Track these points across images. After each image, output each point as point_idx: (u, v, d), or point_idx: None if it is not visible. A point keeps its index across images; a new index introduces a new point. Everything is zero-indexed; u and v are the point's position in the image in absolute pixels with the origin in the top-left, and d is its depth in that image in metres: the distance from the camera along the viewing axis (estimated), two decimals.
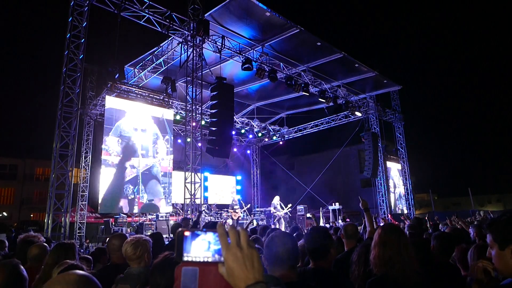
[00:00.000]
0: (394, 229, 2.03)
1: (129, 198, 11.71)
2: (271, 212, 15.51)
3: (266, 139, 22.50)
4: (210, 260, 0.80)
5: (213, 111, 11.29)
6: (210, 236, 0.82)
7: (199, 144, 11.60)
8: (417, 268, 1.94)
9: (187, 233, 0.82)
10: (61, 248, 2.85)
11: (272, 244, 1.77)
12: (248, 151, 23.74)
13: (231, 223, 12.93)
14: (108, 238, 3.51)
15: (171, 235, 8.63)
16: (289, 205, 15.64)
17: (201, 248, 0.81)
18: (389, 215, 17.41)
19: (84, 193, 15.01)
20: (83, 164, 15.23)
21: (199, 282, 0.78)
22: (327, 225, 12.85)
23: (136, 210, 12.00)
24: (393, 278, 1.86)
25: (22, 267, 1.93)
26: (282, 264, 1.73)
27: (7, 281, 1.74)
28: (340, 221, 14.37)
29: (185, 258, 0.80)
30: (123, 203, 11.56)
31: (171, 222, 12.52)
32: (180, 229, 0.85)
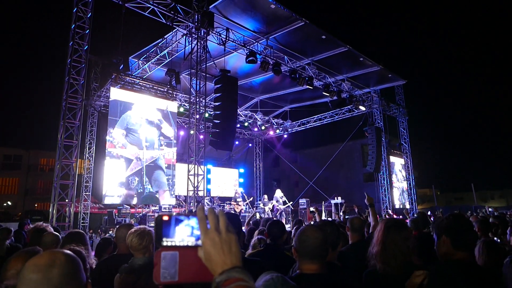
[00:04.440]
0: (395, 228, 2.01)
1: (138, 191, 11.79)
2: (274, 205, 15.54)
3: (270, 133, 22.49)
4: (189, 244, 0.80)
5: (217, 103, 11.27)
6: (193, 222, 0.82)
7: (202, 137, 11.62)
8: (417, 262, 1.96)
9: (165, 218, 0.82)
10: (71, 236, 2.97)
11: (304, 237, 1.79)
12: (251, 144, 23.74)
13: (258, 216, 13.00)
14: (117, 227, 3.57)
15: None
16: (282, 199, 15.61)
17: (184, 233, 0.81)
18: (391, 212, 17.43)
19: (88, 184, 15.10)
20: (87, 155, 15.29)
21: (179, 266, 0.78)
22: (329, 218, 12.89)
23: (135, 201, 12.07)
24: (388, 272, 1.91)
25: None
26: (313, 258, 1.75)
27: None
28: (341, 213, 14.37)
29: (164, 243, 0.79)
30: (128, 195, 11.63)
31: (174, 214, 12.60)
32: (158, 214, 0.85)
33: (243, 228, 5.81)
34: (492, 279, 1.75)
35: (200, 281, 0.80)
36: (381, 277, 1.94)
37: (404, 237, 1.96)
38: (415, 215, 16.83)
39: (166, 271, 0.77)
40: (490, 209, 20.53)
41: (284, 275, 1.47)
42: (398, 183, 20.13)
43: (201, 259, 0.78)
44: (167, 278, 0.77)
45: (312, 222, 10.87)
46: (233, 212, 14.75)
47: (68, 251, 1.15)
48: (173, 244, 0.80)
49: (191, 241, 0.81)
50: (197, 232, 0.81)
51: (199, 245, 0.79)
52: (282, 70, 13.44)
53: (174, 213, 0.84)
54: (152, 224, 10.71)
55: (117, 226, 3.54)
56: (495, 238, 4.31)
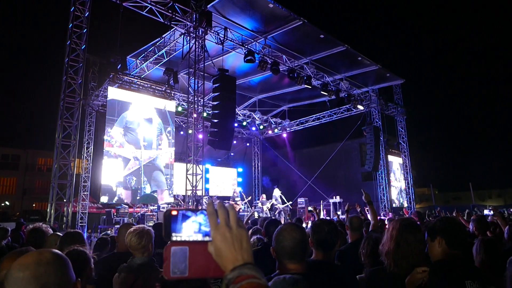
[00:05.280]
0: (411, 228, 1.99)
1: (133, 189, 11.78)
2: (273, 204, 15.55)
3: (268, 132, 22.49)
4: (199, 239, 0.79)
5: (215, 103, 11.26)
6: (200, 218, 0.81)
7: (201, 136, 11.60)
8: (424, 264, 1.94)
9: (174, 213, 0.81)
10: (68, 236, 2.94)
11: (281, 238, 1.74)
12: (249, 144, 23.73)
13: (256, 215, 13.00)
14: (119, 226, 3.58)
15: None
16: (281, 198, 15.61)
17: (191, 229, 0.80)
18: (390, 214, 17.45)
19: (86, 184, 15.05)
20: (85, 155, 15.25)
21: (189, 262, 0.77)
22: (328, 218, 12.89)
23: (133, 201, 12.07)
24: (396, 272, 1.89)
25: None
26: (291, 258, 1.71)
27: None
28: (339, 213, 14.40)
29: (174, 238, 0.79)
30: (125, 194, 11.62)
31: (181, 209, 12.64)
32: (167, 208, 0.84)
33: None
34: (486, 275, 1.83)
35: (211, 277, 0.79)
36: (388, 276, 1.92)
37: (418, 239, 1.94)
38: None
39: (176, 267, 0.77)
40: (488, 209, 20.59)
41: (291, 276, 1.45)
42: (396, 182, 20.16)
43: (211, 255, 0.77)
44: (176, 274, 0.77)
45: (310, 222, 10.87)
46: None
47: (56, 250, 1.15)
48: (183, 239, 0.79)
49: (198, 238, 0.80)
50: (204, 229, 0.80)
51: (210, 240, 0.78)
52: (281, 69, 13.44)
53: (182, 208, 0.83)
54: (151, 224, 10.69)
55: (119, 225, 3.56)
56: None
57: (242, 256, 0.75)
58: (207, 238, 0.79)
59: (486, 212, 19.88)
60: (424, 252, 1.93)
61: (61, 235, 3.18)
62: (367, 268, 2.37)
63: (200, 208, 0.85)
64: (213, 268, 0.77)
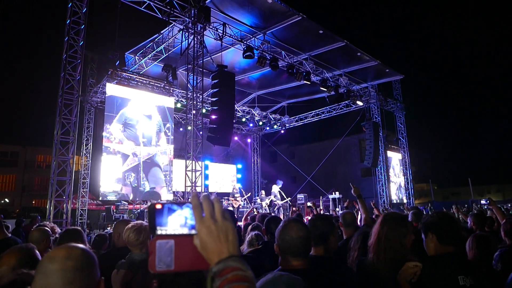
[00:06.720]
0: (392, 223, 1.98)
1: (133, 186, 11.79)
2: (272, 201, 15.57)
3: (267, 128, 22.47)
4: (185, 232, 0.79)
5: (214, 99, 11.24)
6: (186, 211, 0.81)
7: (200, 133, 11.59)
8: (411, 257, 1.95)
9: (158, 206, 0.81)
10: (68, 233, 2.97)
11: (286, 236, 1.73)
12: (249, 140, 23.72)
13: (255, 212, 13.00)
14: (115, 223, 3.58)
15: None
16: (280, 195, 15.64)
17: (177, 223, 0.80)
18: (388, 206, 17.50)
19: (85, 180, 15.05)
20: (84, 152, 15.24)
21: (175, 255, 0.77)
22: (327, 213, 12.91)
23: (132, 197, 12.08)
24: (378, 265, 1.91)
25: (37, 251, 1.98)
26: (297, 255, 1.71)
27: (21, 263, 1.79)
28: (338, 209, 14.44)
29: (159, 232, 0.79)
30: (125, 190, 11.62)
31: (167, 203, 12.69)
32: (151, 202, 0.84)
33: (240, 223, 5.82)
34: (479, 270, 1.87)
35: (196, 270, 0.80)
36: (371, 266, 1.94)
37: (399, 234, 1.92)
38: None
39: (162, 260, 0.77)
40: (485, 201, 20.68)
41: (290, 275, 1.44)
42: (396, 178, 20.20)
43: (197, 248, 0.77)
44: (162, 267, 0.77)
45: (309, 218, 10.88)
46: (231, 208, 14.80)
47: (85, 247, 1.20)
48: (169, 232, 0.79)
49: (184, 231, 0.80)
50: (190, 222, 0.80)
51: (195, 233, 0.78)
52: (280, 65, 13.38)
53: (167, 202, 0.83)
54: None
55: (115, 223, 3.56)
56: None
57: (227, 248, 0.76)
58: (193, 232, 0.79)
59: (482, 202, 20.00)
60: (407, 247, 1.93)
61: (47, 229, 3.21)
62: (350, 259, 2.41)
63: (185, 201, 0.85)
64: (199, 261, 0.78)
